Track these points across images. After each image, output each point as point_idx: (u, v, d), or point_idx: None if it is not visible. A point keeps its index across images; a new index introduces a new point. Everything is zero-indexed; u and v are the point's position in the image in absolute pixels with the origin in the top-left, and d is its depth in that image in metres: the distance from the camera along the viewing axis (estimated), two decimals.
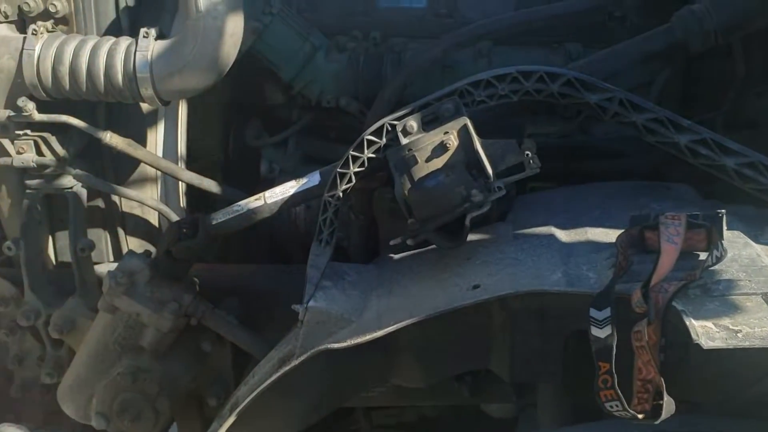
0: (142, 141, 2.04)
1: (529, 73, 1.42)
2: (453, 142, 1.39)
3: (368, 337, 1.21)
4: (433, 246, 1.47)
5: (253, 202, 1.69)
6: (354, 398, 1.95)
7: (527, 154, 1.35)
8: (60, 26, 1.88)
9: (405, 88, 2.01)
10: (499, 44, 2.19)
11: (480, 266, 1.30)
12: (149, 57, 1.73)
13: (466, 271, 1.30)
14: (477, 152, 1.37)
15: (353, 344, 1.23)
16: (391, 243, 1.39)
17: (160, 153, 2.08)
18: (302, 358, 1.33)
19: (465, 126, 1.39)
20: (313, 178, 1.66)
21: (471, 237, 1.37)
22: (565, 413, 1.71)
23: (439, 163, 1.40)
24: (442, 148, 1.40)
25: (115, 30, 1.92)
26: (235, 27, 1.73)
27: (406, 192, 1.40)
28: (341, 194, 1.55)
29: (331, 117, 2.33)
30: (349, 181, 1.54)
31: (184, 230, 1.72)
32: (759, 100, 1.66)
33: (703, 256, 1.14)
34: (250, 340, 1.78)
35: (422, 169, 1.41)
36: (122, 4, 1.93)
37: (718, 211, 1.18)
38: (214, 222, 1.71)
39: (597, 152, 2.09)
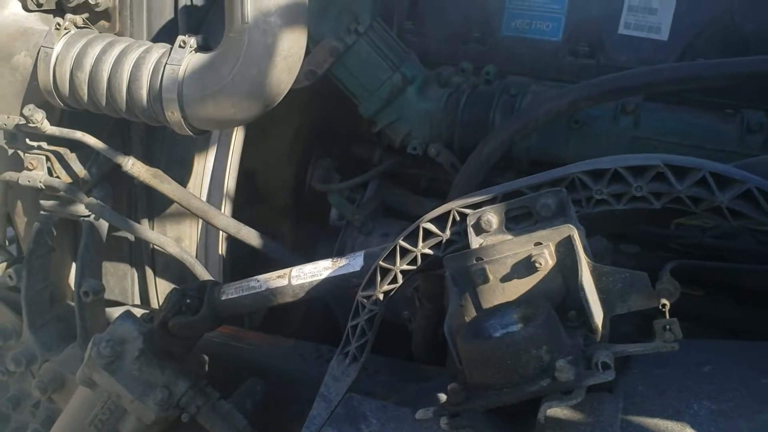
0: (185, 168, 1.69)
1: (684, 169, 0.89)
2: (547, 260, 0.89)
3: None
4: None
5: (275, 279, 1.26)
6: None
7: (663, 304, 0.83)
8: (102, 22, 1.55)
9: (511, 145, 1.52)
10: (652, 100, 1.66)
11: None
12: (180, 73, 1.36)
13: None
14: (581, 286, 0.86)
15: None
16: (417, 416, 0.90)
17: (206, 185, 1.72)
18: None
19: (569, 239, 0.89)
20: (354, 261, 1.21)
21: (555, 413, 0.87)
22: None
23: (520, 288, 0.91)
24: (528, 266, 0.90)
25: (170, 34, 1.56)
26: (291, 46, 1.32)
27: (465, 323, 0.92)
28: (381, 297, 1.09)
29: (420, 164, 1.88)
30: (394, 280, 1.08)
31: (188, 300, 1.33)
32: None
33: None
34: None
35: (495, 293, 0.92)
36: (183, 1, 1.58)
37: None
38: (223, 297, 1.30)
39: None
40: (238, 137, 1.73)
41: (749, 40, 1.72)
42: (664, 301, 0.83)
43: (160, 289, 1.80)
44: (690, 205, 0.89)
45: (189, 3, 1.60)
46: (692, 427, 0.83)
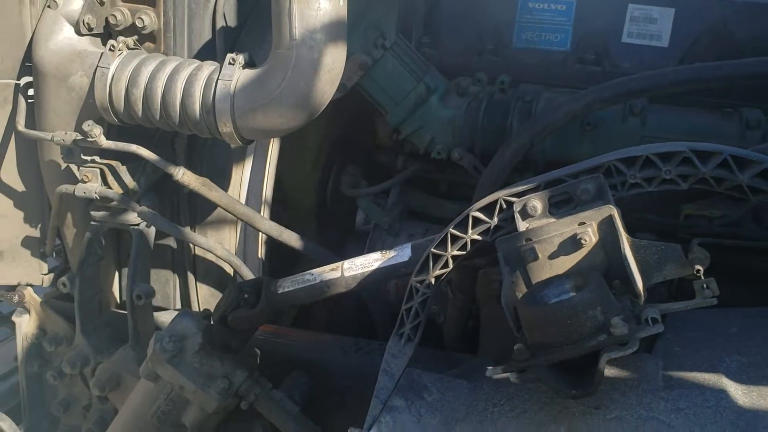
0: (224, 179, 1.79)
1: (707, 153, 1.02)
2: (591, 237, 1.02)
3: None
4: None
5: (329, 272, 1.38)
6: None
7: (698, 270, 0.95)
8: (147, 44, 1.67)
9: (531, 147, 1.65)
10: (657, 101, 1.80)
11: (613, 424, 0.91)
12: (232, 88, 1.47)
13: (592, 428, 0.91)
14: (625, 257, 0.99)
15: None
16: (488, 374, 1.02)
17: (243, 193, 1.83)
18: None
19: (610, 217, 1.01)
20: (402, 252, 1.33)
21: (605, 372, 0.99)
22: None
23: (567, 263, 1.03)
24: (574, 243, 1.03)
25: (208, 53, 1.68)
26: (334, 60, 1.44)
27: (517, 297, 1.04)
28: (433, 281, 1.21)
29: (441, 168, 2.01)
30: (445, 265, 1.20)
31: (245, 296, 1.44)
32: None
33: None
34: None
35: (543, 269, 1.04)
36: (220, 23, 1.70)
37: None
38: (280, 290, 1.41)
39: None
40: (274, 148, 1.85)
41: (742, 45, 1.86)
42: (698, 267, 0.96)
43: (201, 293, 1.90)
44: (714, 185, 1.02)
45: (225, 24, 1.72)
46: (726, 378, 0.95)
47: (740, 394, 0.92)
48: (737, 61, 1.55)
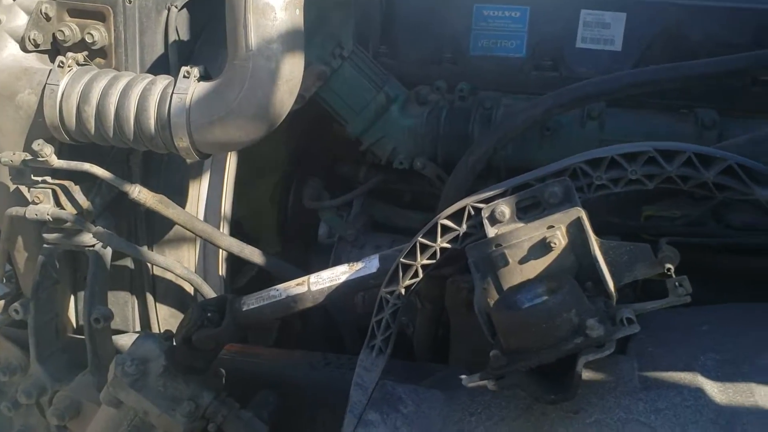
0: (181, 195, 1.75)
1: (672, 152, 1.02)
2: (560, 240, 1.01)
3: None
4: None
5: (294, 287, 1.34)
6: None
7: (668, 268, 0.95)
8: (97, 59, 1.62)
9: (494, 153, 1.65)
10: (614, 105, 1.82)
11: (593, 428, 0.90)
12: (187, 101, 1.43)
13: None
14: (595, 258, 0.98)
15: None
16: (464, 382, 1.00)
17: (201, 210, 1.79)
18: None
19: (578, 220, 1.01)
20: (370, 264, 1.30)
21: (582, 375, 0.98)
22: None
23: (538, 267, 1.02)
24: (543, 247, 1.02)
25: (161, 67, 1.64)
26: (292, 71, 1.42)
27: (489, 304, 1.03)
28: (403, 291, 1.18)
29: (404, 178, 1.99)
30: (415, 275, 1.18)
31: (209, 314, 1.40)
32: None
33: None
34: None
35: (514, 274, 1.03)
36: (173, 37, 1.65)
37: None
38: (244, 308, 1.37)
39: (736, 246, 1.65)
40: (231, 162, 1.81)
41: (696, 47, 1.89)
42: (668, 265, 0.96)
43: (161, 314, 1.85)
44: (680, 183, 1.02)
45: (177, 38, 1.68)
46: (702, 375, 0.95)
47: (717, 391, 0.92)
48: (692, 63, 1.57)
